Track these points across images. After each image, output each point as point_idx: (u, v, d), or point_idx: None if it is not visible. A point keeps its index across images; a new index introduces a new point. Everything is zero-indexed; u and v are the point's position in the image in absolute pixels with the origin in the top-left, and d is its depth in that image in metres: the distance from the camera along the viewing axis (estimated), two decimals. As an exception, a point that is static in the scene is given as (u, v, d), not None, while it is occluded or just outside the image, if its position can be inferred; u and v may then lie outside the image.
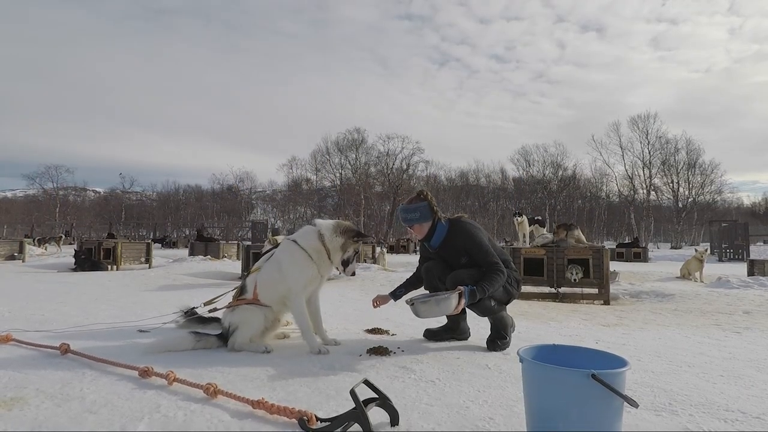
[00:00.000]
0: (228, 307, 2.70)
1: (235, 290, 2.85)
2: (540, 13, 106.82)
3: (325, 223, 2.79)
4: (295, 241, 2.72)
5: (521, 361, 1.51)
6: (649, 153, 40.96)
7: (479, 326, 3.51)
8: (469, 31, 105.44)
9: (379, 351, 2.55)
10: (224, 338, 2.60)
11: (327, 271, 2.76)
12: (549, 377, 1.41)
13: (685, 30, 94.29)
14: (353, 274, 2.98)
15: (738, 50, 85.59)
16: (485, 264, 2.76)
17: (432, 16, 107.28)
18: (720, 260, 20.72)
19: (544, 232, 12.21)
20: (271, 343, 2.66)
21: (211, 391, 1.80)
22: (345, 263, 2.84)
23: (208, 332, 2.69)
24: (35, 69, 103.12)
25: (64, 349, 2.43)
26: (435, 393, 1.93)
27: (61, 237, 22.58)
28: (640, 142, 41.22)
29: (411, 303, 2.53)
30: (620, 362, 1.49)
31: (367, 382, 1.62)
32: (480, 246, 2.79)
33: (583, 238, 7.03)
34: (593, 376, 1.31)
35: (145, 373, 2.05)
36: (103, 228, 42.44)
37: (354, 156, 47.01)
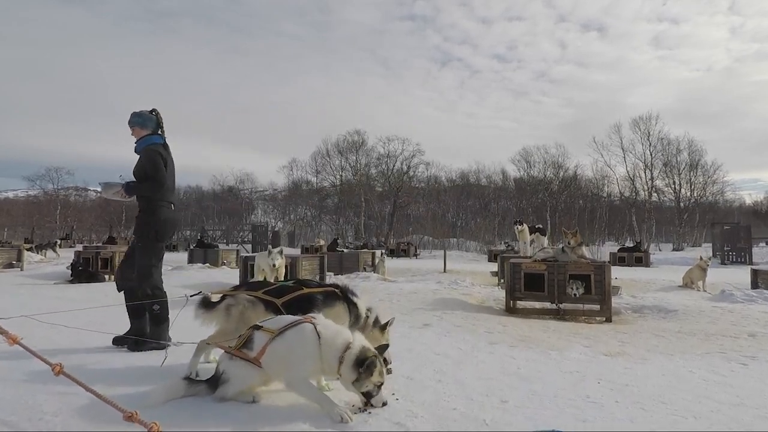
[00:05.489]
0: (228, 352, 2.56)
1: (240, 338, 2.65)
2: (541, 13, 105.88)
3: (358, 343, 2.34)
4: (317, 332, 2.35)
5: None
6: (651, 154, 40.72)
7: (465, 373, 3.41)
8: (471, 31, 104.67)
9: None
10: (214, 384, 2.51)
11: (329, 373, 2.42)
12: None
13: (685, 29, 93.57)
14: (384, 404, 2.35)
15: (739, 49, 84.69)
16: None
17: (434, 17, 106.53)
18: (722, 263, 20.62)
19: (545, 240, 12.12)
20: (260, 389, 2.55)
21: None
22: (367, 395, 2.32)
23: (200, 379, 2.60)
24: (36, 70, 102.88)
25: (58, 370, 2.37)
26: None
27: (56, 242, 22.56)
28: (642, 144, 41.00)
29: (100, 183, 3.80)
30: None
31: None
32: (146, 159, 3.68)
33: (586, 254, 6.93)
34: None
35: (130, 418, 1.98)
36: (104, 230, 42.41)
37: (354, 158, 46.87)
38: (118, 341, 3.66)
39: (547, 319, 6.24)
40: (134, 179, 3.76)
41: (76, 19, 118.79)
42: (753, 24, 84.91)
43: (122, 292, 3.86)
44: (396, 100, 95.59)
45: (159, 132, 3.89)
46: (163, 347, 3.52)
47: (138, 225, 3.77)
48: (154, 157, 3.67)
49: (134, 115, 3.83)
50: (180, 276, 11.54)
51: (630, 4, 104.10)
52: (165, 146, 3.89)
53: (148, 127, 3.82)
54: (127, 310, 3.79)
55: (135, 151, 3.82)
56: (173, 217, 3.89)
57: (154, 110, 3.90)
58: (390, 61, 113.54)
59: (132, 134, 3.85)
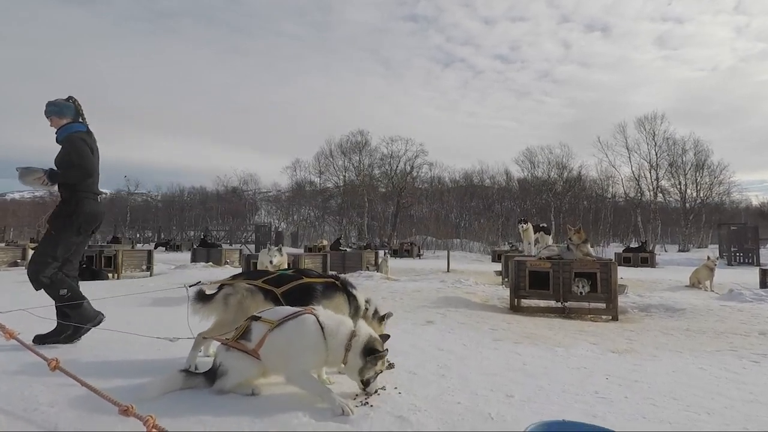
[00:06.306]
0: (225, 344, 2.52)
1: (238, 329, 2.61)
2: (544, 13, 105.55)
3: (364, 331, 2.35)
4: (319, 323, 2.32)
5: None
6: (656, 154, 40.38)
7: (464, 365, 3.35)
8: (474, 31, 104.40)
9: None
10: (212, 377, 2.46)
11: (333, 364, 2.42)
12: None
13: (690, 29, 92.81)
14: (376, 392, 2.39)
15: (744, 48, 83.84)
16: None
17: (436, 17, 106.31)
18: (729, 264, 20.38)
19: (549, 239, 12.02)
20: (259, 381, 2.49)
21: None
22: (365, 383, 2.33)
23: (198, 371, 2.56)
24: (36, 70, 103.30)
25: (54, 365, 2.33)
26: (432, 455, 1.77)
27: None
28: (647, 144, 40.66)
29: (17, 169, 3.42)
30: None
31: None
32: (71, 147, 3.47)
33: (591, 252, 6.84)
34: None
35: (125, 412, 1.94)
36: (109, 230, 42.57)
37: (357, 158, 46.82)
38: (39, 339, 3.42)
39: (553, 317, 6.15)
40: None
41: (76, 19, 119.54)
42: (758, 23, 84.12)
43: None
44: (396, 100, 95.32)
45: (80, 120, 3.71)
46: (90, 328, 3.50)
47: (57, 215, 3.49)
48: (78, 144, 3.48)
49: (49, 104, 3.63)
50: (183, 274, 11.54)
51: (633, 3, 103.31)
52: (89, 133, 3.68)
53: (66, 116, 3.63)
54: (56, 310, 3.56)
55: (56, 141, 3.61)
56: (98, 209, 3.67)
57: (70, 98, 3.71)
58: (391, 61, 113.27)
59: (51, 125, 3.65)
